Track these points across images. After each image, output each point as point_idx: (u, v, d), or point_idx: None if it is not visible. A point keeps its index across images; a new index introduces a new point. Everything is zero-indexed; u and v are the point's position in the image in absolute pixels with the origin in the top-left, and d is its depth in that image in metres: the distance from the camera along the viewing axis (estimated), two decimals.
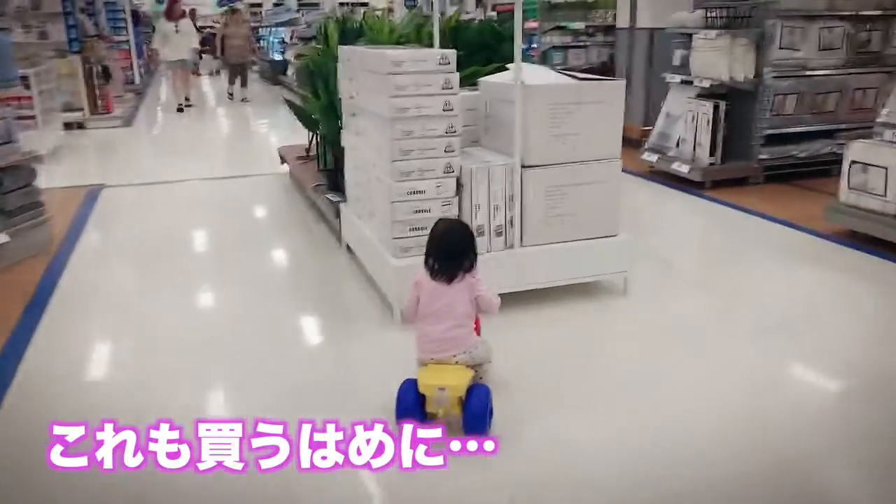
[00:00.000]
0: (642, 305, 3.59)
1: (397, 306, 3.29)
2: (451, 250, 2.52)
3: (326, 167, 5.08)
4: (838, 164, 6.27)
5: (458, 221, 2.93)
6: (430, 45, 4.31)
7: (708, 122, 5.84)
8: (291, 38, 14.47)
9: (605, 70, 7.91)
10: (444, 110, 3.20)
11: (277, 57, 15.36)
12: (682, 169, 5.94)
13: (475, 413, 2.41)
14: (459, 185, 3.33)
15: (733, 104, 5.86)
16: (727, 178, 5.99)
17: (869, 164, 4.43)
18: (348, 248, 4.29)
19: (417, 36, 4.73)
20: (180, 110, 10.83)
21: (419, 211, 3.28)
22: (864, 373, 2.94)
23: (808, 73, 5.96)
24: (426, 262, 2.56)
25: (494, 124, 3.62)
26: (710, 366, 3.00)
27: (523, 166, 3.34)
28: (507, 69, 3.80)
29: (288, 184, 6.25)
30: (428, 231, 2.66)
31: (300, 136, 6.11)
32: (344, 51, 3.84)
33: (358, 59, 3.54)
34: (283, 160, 6.45)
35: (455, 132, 3.26)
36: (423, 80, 3.13)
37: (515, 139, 3.27)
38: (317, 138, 5.35)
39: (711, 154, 5.90)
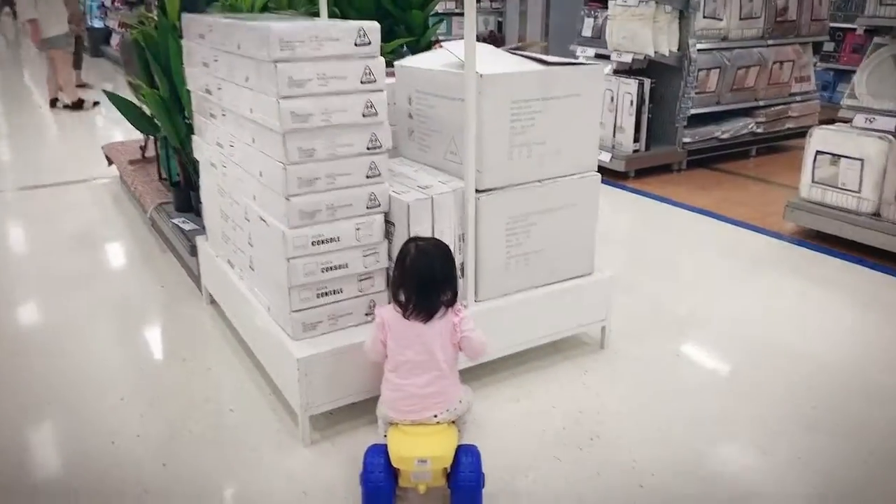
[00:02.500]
0: (623, 362, 2.70)
1: (302, 414, 2.18)
2: (428, 279, 1.93)
3: (172, 180, 3.77)
4: (757, 145, 5.88)
5: (434, 240, 2.05)
6: (314, 14, 3.14)
7: (631, 102, 5.06)
8: (114, 1, 12.36)
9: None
10: (364, 115, 2.08)
11: (97, 24, 13.13)
12: (603, 157, 5.14)
13: (468, 488, 1.85)
14: (390, 226, 2.24)
15: (657, 82, 5.11)
16: (651, 167, 5.31)
17: (840, 156, 3.79)
18: (213, 298, 3.07)
19: (289, 2, 3.52)
20: (77, 105, 7.69)
21: (331, 268, 2.17)
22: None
23: (730, 45, 5.34)
24: (395, 296, 1.97)
25: (424, 128, 2.54)
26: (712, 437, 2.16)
27: (477, 191, 2.31)
28: (433, 47, 2.73)
29: (118, 193, 4.80)
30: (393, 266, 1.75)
31: (131, 129, 4.64)
32: (194, 22, 2.58)
33: (220, 34, 2.31)
34: (109, 161, 4.98)
35: (380, 147, 2.15)
36: (332, 69, 1.99)
37: (468, 154, 2.22)
38: (156, 139, 4.00)
39: (635, 140, 5.14)
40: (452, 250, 2.07)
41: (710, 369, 2.74)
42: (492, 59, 2.43)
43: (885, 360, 2.74)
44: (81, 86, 8.67)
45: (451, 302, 1.95)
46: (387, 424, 1.99)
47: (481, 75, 2.20)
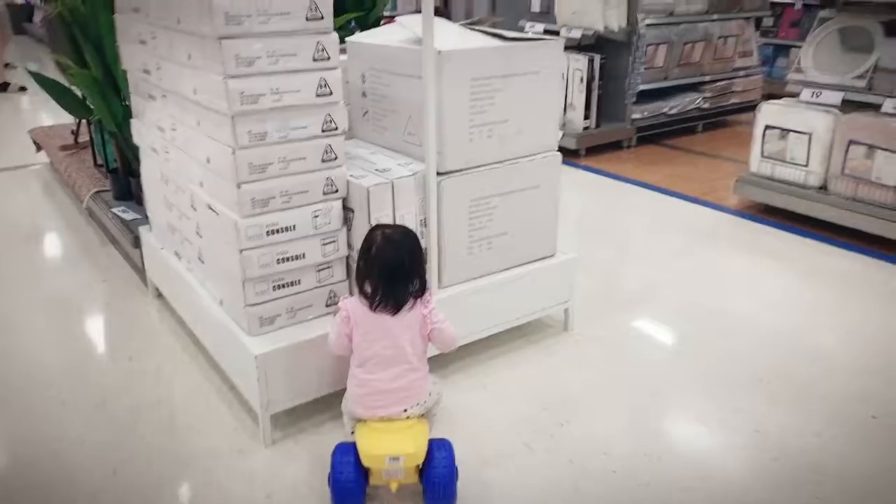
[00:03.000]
0: (586, 343, 2.67)
1: (262, 413, 2.07)
2: (397, 268, 1.83)
3: (109, 166, 3.55)
4: (703, 120, 5.93)
5: (401, 228, 1.95)
6: None
7: (581, 79, 5.02)
8: None
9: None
10: (318, 95, 1.96)
11: None
12: None
13: (441, 484, 1.78)
14: (348, 212, 2.14)
15: (606, 58, 5.09)
16: (601, 144, 5.30)
17: (788, 130, 3.83)
18: (159, 291, 2.91)
19: None
20: (2, 87, 7.33)
21: (288, 258, 2.05)
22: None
23: (677, 20, 5.35)
24: (360, 287, 1.86)
25: (379, 108, 2.43)
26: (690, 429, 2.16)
27: (438, 174, 2.22)
28: (381, 23, 2.61)
29: (50, 181, 4.53)
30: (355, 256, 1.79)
31: (60, 112, 4.35)
32: None
33: (157, 7, 2.14)
34: (38, 147, 4.69)
35: (336, 129, 2.04)
36: (282, 45, 1.86)
37: (428, 136, 2.13)
38: (89, 123, 3.76)
39: (586, 117, 5.12)
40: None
41: (669, 346, 2.73)
42: (449, 35, 2.33)
43: (837, 331, 2.79)
44: (6, 65, 8.15)
45: (420, 293, 1.86)
46: (353, 421, 1.91)
47: (440, 51, 2.11)
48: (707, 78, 5.72)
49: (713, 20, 5.59)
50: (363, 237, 1.92)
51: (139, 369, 2.51)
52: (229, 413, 2.24)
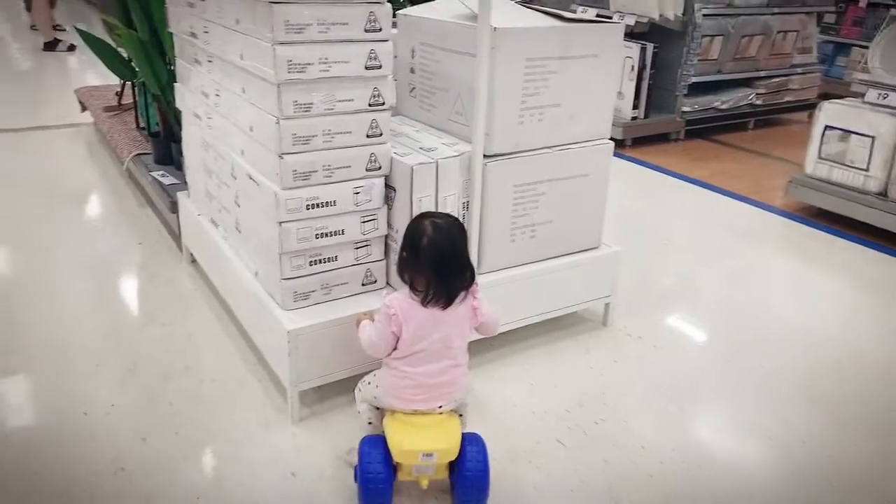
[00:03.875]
0: (625, 340, 2.58)
1: (291, 389, 2.03)
2: (449, 259, 1.71)
3: (150, 130, 3.53)
4: (755, 117, 5.74)
5: (448, 216, 1.83)
6: None
7: (633, 68, 4.88)
8: None
9: None
10: (367, 67, 1.89)
11: None
12: None
13: (475, 479, 1.70)
14: (390, 191, 2.07)
15: (659, 47, 4.93)
16: (648, 135, 5.16)
17: (850, 132, 3.66)
18: (194, 257, 2.89)
19: None
20: (51, 46, 7.34)
21: (326, 234, 2.00)
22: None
23: (735, 11, 5.16)
24: (410, 281, 1.74)
25: (427, 85, 2.35)
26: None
27: (485, 156, 2.15)
28: None
29: (93, 141, 4.55)
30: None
31: (106, 72, 4.33)
32: None
33: None
34: (83, 107, 4.70)
35: (383, 104, 1.97)
36: (333, 13, 1.79)
37: (477, 116, 2.05)
38: (133, 85, 3.75)
39: (634, 107, 4.98)
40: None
41: (712, 349, 2.63)
42: (505, 12, 2.24)
43: (888, 342, 2.66)
44: (55, 27, 8.24)
45: (469, 283, 1.76)
46: (375, 411, 1.84)
47: (495, 28, 2.02)
48: (762, 73, 5.53)
49: (773, 13, 5.39)
50: (404, 219, 1.85)
51: (171, 335, 2.49)
52: (258, 386, 2.21)
